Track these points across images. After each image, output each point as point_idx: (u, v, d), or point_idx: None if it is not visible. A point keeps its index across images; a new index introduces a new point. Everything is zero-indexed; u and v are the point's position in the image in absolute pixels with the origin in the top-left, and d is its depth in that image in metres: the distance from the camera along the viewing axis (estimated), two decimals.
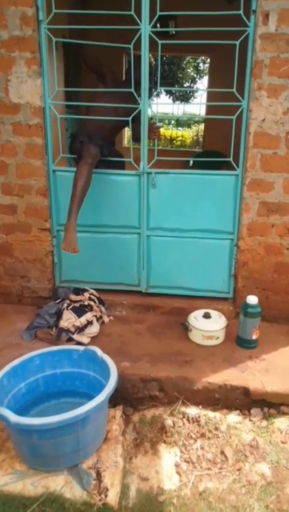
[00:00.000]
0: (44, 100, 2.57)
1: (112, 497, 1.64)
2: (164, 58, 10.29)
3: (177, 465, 1.82)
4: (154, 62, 6.66)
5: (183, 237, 2.78)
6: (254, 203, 2.60)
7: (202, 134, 7.81)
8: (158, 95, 10.75)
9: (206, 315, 2.51)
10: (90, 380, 2.04)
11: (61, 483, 1.68)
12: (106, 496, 1.64)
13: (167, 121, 11.91)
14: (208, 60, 7.13)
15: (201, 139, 8.62)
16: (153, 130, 2.72)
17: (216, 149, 4.69)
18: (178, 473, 1.79)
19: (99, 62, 2.68)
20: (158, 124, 2.80)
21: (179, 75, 12.37)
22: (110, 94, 2.69)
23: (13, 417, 1.59)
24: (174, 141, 10.67)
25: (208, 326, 2.44)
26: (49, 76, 2.56)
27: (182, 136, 10.88)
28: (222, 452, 1.86)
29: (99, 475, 1.71)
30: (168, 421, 1.97)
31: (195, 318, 2.50)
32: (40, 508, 1.59)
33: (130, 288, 2.91)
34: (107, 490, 1.65)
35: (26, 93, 2.53)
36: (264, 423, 2.02)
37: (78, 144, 2.62)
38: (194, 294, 2.87)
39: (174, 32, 5.49)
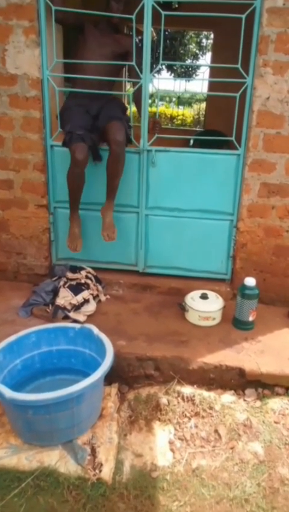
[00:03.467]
0: (42, 71, 2.49)
1: (106, 472, 1.66)
2: (166, 33, 10.04)
3: (171, 443, 1.84)
4: (156, 37, 6.49)
5: (182, 217, 2.75)
6: (255, 184, 2.56)
7: (203, 113, 7.67)
8: (159, 71, 10.54)
9: (203, 296, 2.50)
10: (85, 358, 2.04)
11: (55, 458, 1.69)
12: (100, 471, 1.66)
13: (167, 98, 11.70)
14: (211, 36, 6.95)
15: (202, 118, 8.49)
16: (154, 125, 2.66)
17: (217, 129, 4.61)
18: (172, 450, 1.81)
19: (77, 15, 2.56)
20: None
21: (181, 51, 12.08)
22: (91, 39, 2.57)
23: (8, 393, 1.59)
24: (175, 120, 10.50)
25: (205, 306, 2.44)
26: (47, 47, 2.47)
27: (183, 115, 10.70)
28: (216, 431, 1.88)
29: (93, 451, 1.73)
30: (163, 400, 1.99)
31: (192, 299, 2.50)
32: (35, 482, 1.60)
33: (127, 268, 2.90)
34: (101, 465, 1.67)
35: (23, 63, 2.45)
36: (258, 403, 2.04)
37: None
38: (191, 274, 2.86)
39: (176, 6, 5.34)
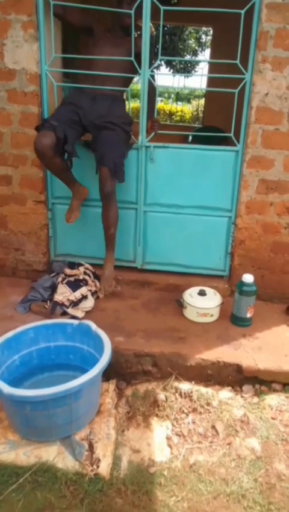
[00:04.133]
0: (41, 66, 2.48)
1: (104, 467, 1.66)
2: (165, 28, 10.00)
3: (168, 438, 1.85)
4: (154, 32, 6.44)
5: (180, 213, 2.75)
6: (253, 181, 2.55)
7: (202, 109, 7.66)
8: (158, 67, 10.49)
9: (202, 293, 2.51)
10: (83, 354, 2.04)
11: (53, 454, 1.70)
12: (98, 466, 1.66)
13: (166, 94, 11.67)
14: (211, 31, 6.92)
15: (201, 114, 8.47)
16: (153, 124, 2.62)
17: (216, 125, 4.60)
18: (169, 445, 1.82)
19: (83, 15, 2.50)
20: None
21: (180, 47, 12.03)
22: (102, 43, 2.49)
23: (6, 389, 1.59)
24: (174, 116, 10.48)
25: (203, 303, 2.44)
26: (45, 42, 2.46)
27: (182, 111, 10.69)
28: (213, 427, 1.89)
29: (91, 446, 1.73)
30: (161, 396, 1.99)
31: (191, 295, 2.50)
32: (32, 477, 1.61)
33: (125, 264, 2.89)
34: (99, 460, 1.68)
35: (22, 58, 2.44)
36: (255, 399, 2.05)
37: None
38: (189, 271, 2.86)
39: (176, 1, 5.31)
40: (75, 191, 2.60)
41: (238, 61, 2.39)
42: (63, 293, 2.43)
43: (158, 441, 1.83)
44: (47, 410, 1.66)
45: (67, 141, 2.33)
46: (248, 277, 2.40)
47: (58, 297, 2.41)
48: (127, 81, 2.63)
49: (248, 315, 2.43)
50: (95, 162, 2.48)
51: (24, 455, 1.69)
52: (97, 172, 2.47)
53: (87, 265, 2.73)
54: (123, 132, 2.50)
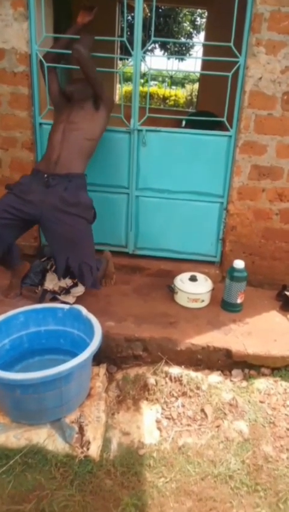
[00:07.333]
0: (31, 46, 2.42)
1: (94, 449, 1.68)
2: (160, 10, 9.81)
3: (158, 422, 1.87)
4: (148, 14, 6.30)
5: (172, 199, 2.73)
6: (246, 166, 2.54)
7: (196, 93, 7.57)
8: (152, 50, 10.27)
9: (193, 278, 2.51)
10: (74, 339, 2.05)
11: (43, 436, 1.71)
12: (88, 448, 1.68)
13: (160, 78, 11.52)
14: (206, 14, 6.80)
15: (195, 99, 8.38)
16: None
17: (210, 110, 4.55)
18: (159, 428, 1.84)
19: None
20: None
21: (175, 29, 11.83)
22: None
23: None
24: (168, 101, 10.35)
25: (194, 288, 2.45)
26: (36, 21, 2.39)
27: (176, 95, 10.55)
28: (202, 410, 1.91)
29: (81, 429, 1.75)
30: (151, 380, 2.01)
31: (182, 281, 2.50)
32: (23, 459, 1.62)
33: (117, 249, 2.88)
34: (89, 443, 1.70)
35: (11, 37, 2.38)
36: (244, 383, 2.08)
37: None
38: (181, 257, 2.86)
39: None
40: (17, 270, 2.48)
41: (231, 43, 2.35)
42: (53, 280, 2.41)
43: (148, 424, 1.85)
44: (37, 393, 1.66)
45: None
46: (239, 263, 2.41)
47: (48, 285, 2.39)
48: (88, 154, 2.31)
49: (239, 300, 2.44)
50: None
51: (15, 437, 1.70)
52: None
53: None
54: (84, 223, 2.21)
